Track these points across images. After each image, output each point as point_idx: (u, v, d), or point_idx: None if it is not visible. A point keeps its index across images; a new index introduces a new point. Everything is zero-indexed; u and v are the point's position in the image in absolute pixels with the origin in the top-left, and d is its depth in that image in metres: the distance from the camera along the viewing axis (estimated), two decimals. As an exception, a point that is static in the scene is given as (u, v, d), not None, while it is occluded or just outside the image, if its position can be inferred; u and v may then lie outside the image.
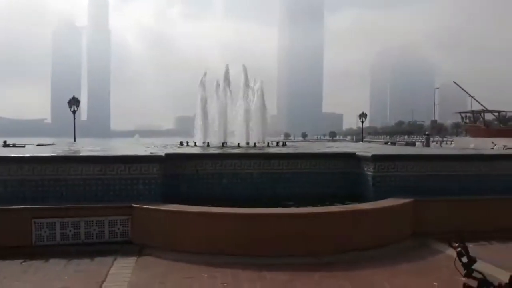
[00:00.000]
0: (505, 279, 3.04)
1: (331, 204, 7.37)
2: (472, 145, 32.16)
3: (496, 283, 3.08)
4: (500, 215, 7.98)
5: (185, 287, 5.02)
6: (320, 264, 5.92)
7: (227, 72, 15.23)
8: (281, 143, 14.24)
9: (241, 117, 14.61)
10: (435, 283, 4.72)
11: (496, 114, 47.79)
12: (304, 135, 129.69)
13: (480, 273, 3.10)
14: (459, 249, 3.15)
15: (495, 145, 32.74)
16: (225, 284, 5.10)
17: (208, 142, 12.86)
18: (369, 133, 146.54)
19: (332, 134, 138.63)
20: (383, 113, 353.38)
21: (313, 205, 7.34)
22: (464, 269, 3.11)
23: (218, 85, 14.91)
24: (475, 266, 3.11)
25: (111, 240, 6.79)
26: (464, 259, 3.12)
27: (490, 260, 5.67)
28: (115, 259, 6.01)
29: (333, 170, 9.09)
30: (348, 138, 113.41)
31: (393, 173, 8.44)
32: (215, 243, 6.33)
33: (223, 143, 12.97)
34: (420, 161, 8.65)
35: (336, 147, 13.85)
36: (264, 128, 15.10)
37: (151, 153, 8.79)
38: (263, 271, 5.58)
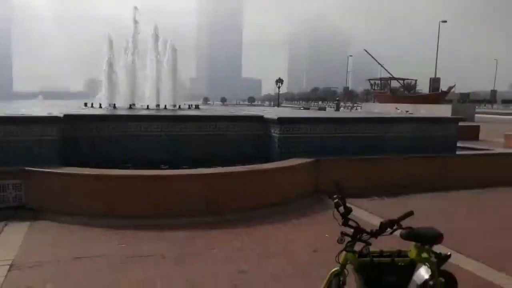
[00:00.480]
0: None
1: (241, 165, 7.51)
2: (376, 110, 34.30)
3: (368, 230, 3.34)
4: (395, 172, 8.64)
5: (80, 249, 4.88)
6: (222, 222, 6.05)
7: (136, 32, 14.55)
8: (194, 106, 14.09)
9: (152, 79, 14.15)
10: (327, 235, 5.07)
11: (402, 81, 51.31)
12: (223, 100, 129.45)
13: (355, 221, 3.34)
14: (336, 200, 3.36)
15: (398, 110, 35.01)
16: (123, 245, 5.04)
17: (114, 104, 12.33)
18: (286, 99, 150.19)
19: (251, 99, 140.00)
20: (300, 80, 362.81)
21: (223, 166, 7.42)
22: (342, 219, 3.33)
23: (127, 45, 14.23)
24: (352, 216, 3.33)
25: (3, 205, 6.36)
26: (341, 209, 3.33)
27: (377, 212, 6.22)
28: (6, 225, 5.66)
29: (244, 132, 9.23)
30: (266, 103, 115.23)
31: (298, 135, 8.75)
32: (114, 206, 6.18)
33: (130, 105, 12.53)
34: (323, 123, 9.04)
35: (252, 111, 14.00)
36: (177, 91, 14.80)
37: (48, 114, 8.23)
38: (164, 231, 5.60)
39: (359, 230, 3.37)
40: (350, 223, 3.35)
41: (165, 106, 12.49)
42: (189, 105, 14.21)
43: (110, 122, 8.46)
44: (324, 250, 3.43)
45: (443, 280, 3.57)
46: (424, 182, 8.62)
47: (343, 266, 3.42)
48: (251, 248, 5.04)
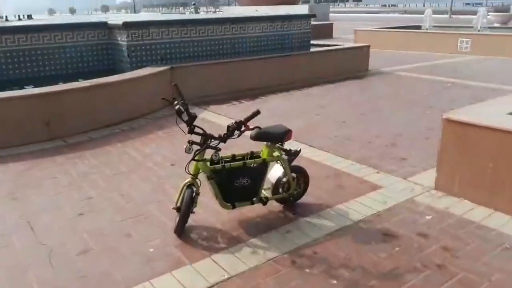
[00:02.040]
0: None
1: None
2: (236, 12, 33.69)
3: (217, 135, 3.11)
4: (252, 74, 8.53)
5: None
6: (67, 146, 5.38)
7: None
8: (25, 17, 12.02)
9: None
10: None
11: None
12: (72, 11, 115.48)
13: (201, 128, 3.06)
14: (178, 106, 3.00)
15: (257, 12, 34.73)
16: None
17: None
18: (145, 6, 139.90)
19: (104, 8, 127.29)
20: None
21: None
22: (187, 126, 3.02)
23: None
24: (198, 123, 3.04)
25: None
26: (184, 116, 3.01)
27: (236, 116, 6.10)
28: None
29: (86, 43, 8.14)
30: (123, 11, 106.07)
31: (148, 41, 8.01)
32: None
33: None
34: (175, 26, 8.34)
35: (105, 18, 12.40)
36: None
37: None
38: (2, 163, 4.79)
39: (206, 137, 3.13)
40: (197, 130, 3.08)
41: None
42: (18, 16, 12.07)
43: None
44: (183, 162, 3.14)
45: (294, 175, 3.61)
46: (281, 81, 8.75)
47: (194, 176, 3.20)
48: (99, 171, 4.55)
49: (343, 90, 8.61)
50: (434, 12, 19.99)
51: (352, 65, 10.01)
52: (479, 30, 14.27)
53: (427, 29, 15.92)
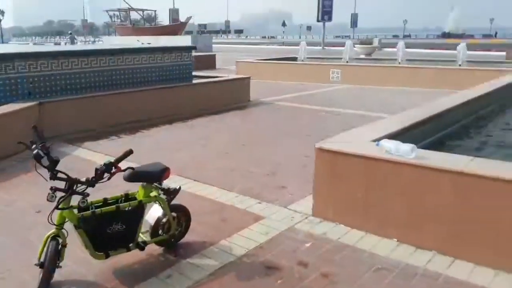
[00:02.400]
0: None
1: None
2: (116, 43, 32.85)
3: (84, 179, 2.85)
4: (132, 107, 8.23)
5: None
6: None
7: None
8: None
9: None
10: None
11: (141, 12, 50.25)
12: None
13: (65, 173, 2.78)
14: (36, 151, 2.70)
15: (139, 42, 34.25)
16: None
17: None
18: (15, 35, 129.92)
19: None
20: (31, 12, 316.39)
21: None
22: (49, 172, 2.73)
23: None
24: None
25: None
26: (45, 161, 2.71)
27: (114, 153, 5.75)
28: None
29: None
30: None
31: (13, 74, 7.30)
32: None
33: None
34: (43, 58, 7.74)
35: None
36: None
37: None
38: None
39: (71, 182, 2.85)
40: (59, 175, 2.79)
41: None
42: None
43: None
44: (51, 209, 2.80)
45: (175, 214, 3.46)
46: (163, 113, 8.58)
47: (59, 226, 2.89)
48: (-52, 225, 3.91)
49: (226, 121, 8.73)
50: (309, 44, 21.58)
51: (234, 96, 10.24)
52: (347, 62, 15.67)
53: (302, 61, 17.05)
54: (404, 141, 4.42)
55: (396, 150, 3.59)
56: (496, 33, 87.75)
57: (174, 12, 61.76)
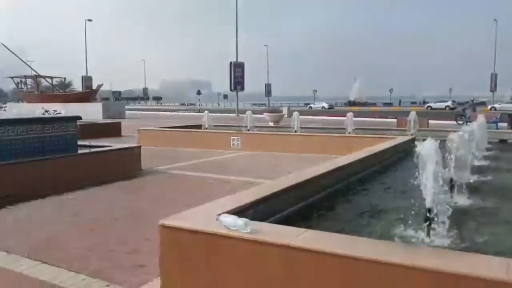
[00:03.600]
0: None
1: None
2: (15, 111, 31.20)
3: None
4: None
5: None
6: None
7: None
8: None
9: None
10: None
11: (50, 80, 48.61)
12: None
13: None
14: None
15: (44, 110, 32.84)
16: None
17: None
18: None
19: None
20: None
21: None
22: None
23: None
24: None
25: None
26: None
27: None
28: None
29: None
30: None
31: None
32: None
33: None
34: None
35: None
36: None
37: None
38: None
39: None
40: None
41: None
42: None
43: None
44: None
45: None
46: (40, 186, 7.99)
47: None
48: None
49: (106, 193, 8.34)
50: (226, 111, 22.00)
51: (123, 166, 9.89)
52: (248, 129, 16.11)
53: (206, 128, 17.26)
54: (262, 211, 4.46)
55: (233, 224, 3.55)
56: (400, 101, 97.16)
57: (87, 79, 60.89)
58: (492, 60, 71.92)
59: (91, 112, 37.49)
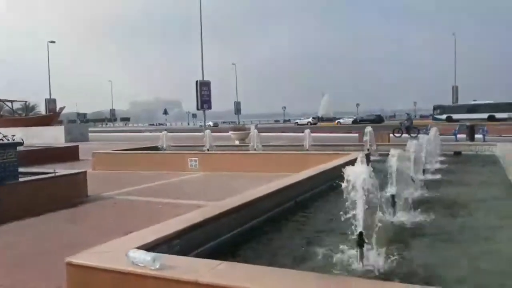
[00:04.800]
0: None
1: None
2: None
3: None
4: None
5: None
6: None
7: None
8: None
9: None
10: None
11: (9, 103, 47.19)
12: None
13: None
14: None
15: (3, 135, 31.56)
16: None
17: None
18: None
19: None
20: None
21: None
22: None
23: None
24: None
25: None
26: None
27: None
28: None
29: None
30: None
31: None
32: None
33: None
34: None
35: None
36: None
37: None
38: None
39: None
40: None
41: None
42: None
43: None
44: None
45: None
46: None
47: None
48: None
49: (46, 223, 7.85)
50: (195, 130, 21.60)
51: (68, 193, 9.41)
52: (208, 149, 15.82)
53: (164, 149, 16.88)
54: (194, 239, 4.19)
55: (141, 260, 3.27)
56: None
57: (51, 102, 59.45)
58: (453, 73, 74.33)
59: (53, 136, 36.44)
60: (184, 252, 3.95)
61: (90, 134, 42.72)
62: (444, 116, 63.04)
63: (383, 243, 4.34)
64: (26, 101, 52.50)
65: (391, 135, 28.39)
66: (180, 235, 4.28)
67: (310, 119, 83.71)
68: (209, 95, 45.82)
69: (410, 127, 31.06)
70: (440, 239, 5.34)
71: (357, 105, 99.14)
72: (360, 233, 4.22)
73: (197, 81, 45.27)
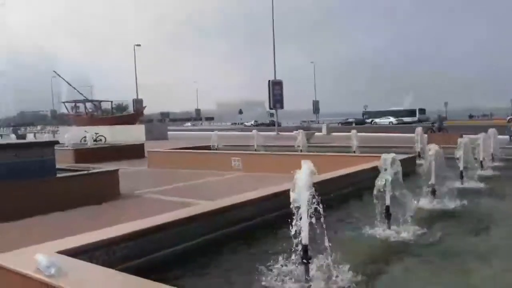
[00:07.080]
0: None
1: None
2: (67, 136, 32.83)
3: None
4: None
5: None
6: None
7: None
8: None
9: None
10: None
11: (97, 103, 51.27)
12: None
13: None
14: None
15: (87, 133, 34.27)
16: None
17: None
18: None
19: None
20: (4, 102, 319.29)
21: None
22: None
23: None
24: None
25: None
26: None
27: None
28: None
29: None
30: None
31: None
32: None
33: None
34: None
35: None
36: None
37: None
38: None
39: None
40: None
41: None
42: None
43: None
44: None
45: None
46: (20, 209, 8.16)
47: None
48: None
49: (66, 218, 8.29)
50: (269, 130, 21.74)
51: (100, 190, 9.87)
52: (255, 149, 15.74)
53: (216, 149, 17.12)
54: (140, 246, 4.10)
55: (41, 266, 3.25)
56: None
57: (137, 102, 63.47)
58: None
59: (135, 134, 38.80)
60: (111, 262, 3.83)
61: (172, 132, 44.94)
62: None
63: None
64: (111, 101, 56.56)
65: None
66: (122, 241, 4.20)
67: (391, 119, 78.24)
68: (281, 94, 45.80)
69: (442, 127, 30.99)
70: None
71: (445, 103, 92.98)
72: (305, 247, 3.89)
73: (269, 81, 45.51)
